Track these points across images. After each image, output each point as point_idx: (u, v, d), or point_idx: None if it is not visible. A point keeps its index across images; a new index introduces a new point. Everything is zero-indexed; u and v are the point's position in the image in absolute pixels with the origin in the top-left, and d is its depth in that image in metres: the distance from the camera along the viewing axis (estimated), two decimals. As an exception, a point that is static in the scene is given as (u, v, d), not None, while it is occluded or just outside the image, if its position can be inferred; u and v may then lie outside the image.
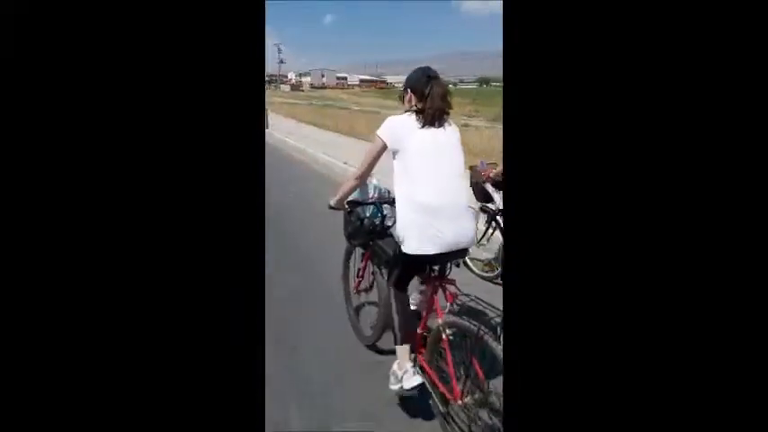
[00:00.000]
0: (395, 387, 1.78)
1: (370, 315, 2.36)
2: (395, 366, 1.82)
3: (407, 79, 1.78)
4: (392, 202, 2.02)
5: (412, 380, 1.71)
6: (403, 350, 1.78)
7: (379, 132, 1.70)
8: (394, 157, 1.69)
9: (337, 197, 1.96)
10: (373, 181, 2.10)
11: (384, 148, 1.69)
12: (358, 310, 2.49)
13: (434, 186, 1.63)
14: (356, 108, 22.05)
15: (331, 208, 1.99)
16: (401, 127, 1.67)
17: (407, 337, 1.79)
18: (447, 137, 1.70)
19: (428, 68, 1.76)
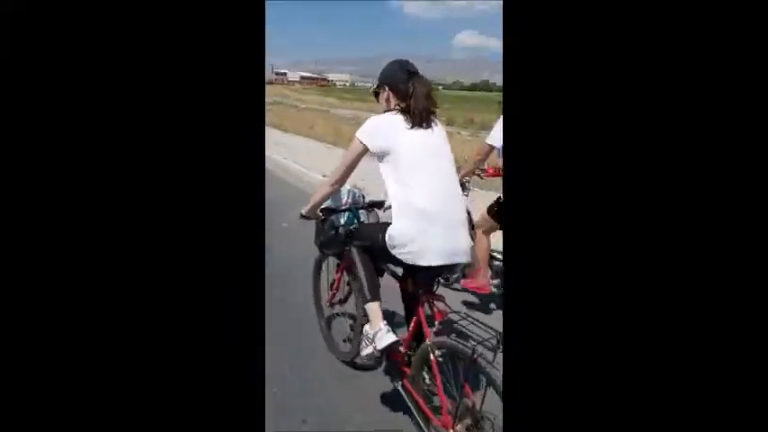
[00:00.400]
0: (367, 350, 1.70)
1: (344, 328, 2.19)
2: (366, 327, 1.72)
3: (383, 75, 1.65)
4: (368, 207, 1.94)
5: (385, 338, 1.61)
6: (374, 307, 1.67)
7: (359, 135, 1.57)
8: (380, 161, 1.57)
9: (310, 205, 1.80)
10: (346, 185, 1.95)
11: (364, 151, 1.57)
12: (332, 323, 2.32)
13: (430, 190, 1.52)
14: (303, 106, 21.21)
15: (303, 217, 1.84)
16: (388, 128, 1.55)
17: (375, 291, 1.70)
18: (436, 138, 1.59)
19: (406, 62, 1.64)
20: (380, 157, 1.56)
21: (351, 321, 2.08)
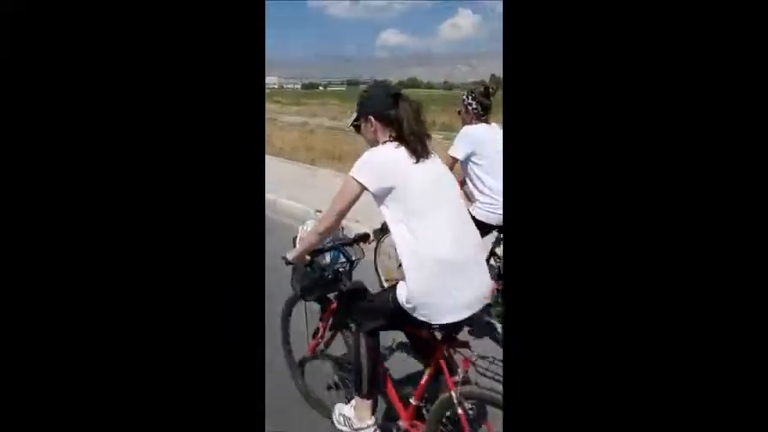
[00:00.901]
0: (344, 429, 1.56)
1: (326, 378, 1.89)
2: (349, 412, 1.55)
3: (366, 105, 1.44)
4: (354, 243, 1.76)
5: None
6: (364, 405, 1.50)
7: (356, 174, 1.33)
8: (381, 202, 1.36)
9: (298, 251, 1.55)
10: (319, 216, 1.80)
11: (361, 192, 1.35)
12: (309, 374, 1.98)
13: (448, 235, 1.32)
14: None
15: (288, 263, 1.60)
16: (391, 165, 1.33)
17: (374, 388, 1.49)
18: (438, 168, 1.41)
19: (386, 85, 1.48)
20: (381, 197, 1.34)
21: (335, 366, 1.85)
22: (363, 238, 1.82)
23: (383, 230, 2.11)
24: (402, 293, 1.35)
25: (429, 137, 1.41)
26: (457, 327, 1.40)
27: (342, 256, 1.70)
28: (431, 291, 1.31)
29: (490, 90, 2.38)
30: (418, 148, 1.35)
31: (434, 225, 1.31)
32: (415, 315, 1.34)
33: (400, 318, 1.39)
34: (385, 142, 1.39)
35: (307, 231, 1.59)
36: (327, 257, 1.69)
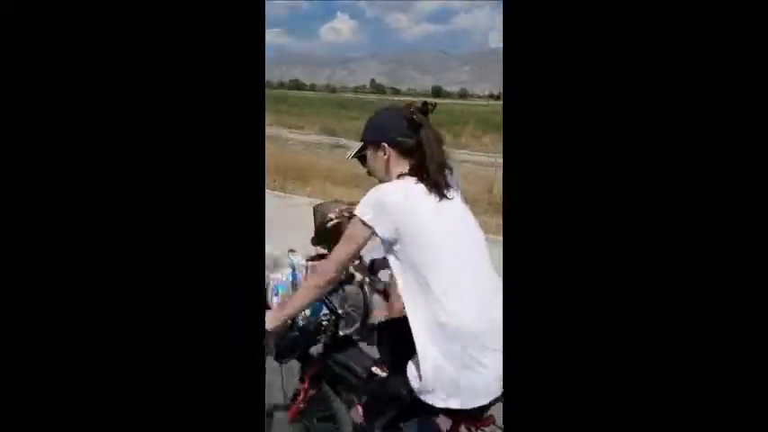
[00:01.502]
0: None
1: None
2: None
3: (378, 130, 1.20)
4: (336, 290, 1.44)
5: None
6: None
7: (362, 214, 1.10)
8: (390, 251, 1.12)
9: (283, 315, 1.22)
10: (295, 259, 1.44)
11: (371, 236, 1.11)
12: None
13: (475, 299, 1.07)
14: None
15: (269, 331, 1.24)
16: (407, 203, 1.09)
17: None
18: (462, 209, 1.18)
19: (400, 109, 1.22)
20: (390, 244, 1.11)
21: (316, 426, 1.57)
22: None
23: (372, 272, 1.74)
24: (413, 375, 1.11)
25: (451, 170, 1.18)
26: (483, 409, 1.13)
27: (325, 307, 1.38)
28: (450, 371, 1.05)
29: (429, 107, 2.16)
30: (441, 182, 1.12)
31: (456, 282, 1.06)
32: (433, 401, 1.08)
33: (416, 404, 1.13)
34: (401, 175, 1.16)
35: (283, 281, 1.30)
36: (307, 311, 1.39)
